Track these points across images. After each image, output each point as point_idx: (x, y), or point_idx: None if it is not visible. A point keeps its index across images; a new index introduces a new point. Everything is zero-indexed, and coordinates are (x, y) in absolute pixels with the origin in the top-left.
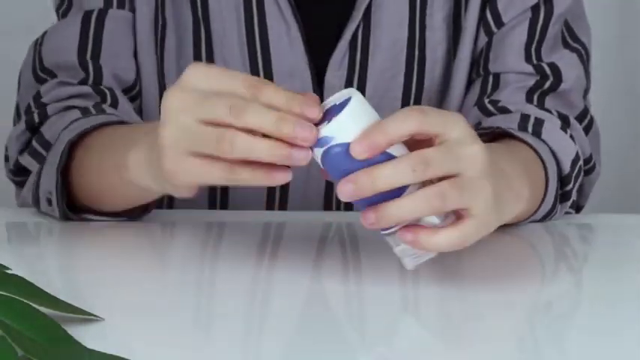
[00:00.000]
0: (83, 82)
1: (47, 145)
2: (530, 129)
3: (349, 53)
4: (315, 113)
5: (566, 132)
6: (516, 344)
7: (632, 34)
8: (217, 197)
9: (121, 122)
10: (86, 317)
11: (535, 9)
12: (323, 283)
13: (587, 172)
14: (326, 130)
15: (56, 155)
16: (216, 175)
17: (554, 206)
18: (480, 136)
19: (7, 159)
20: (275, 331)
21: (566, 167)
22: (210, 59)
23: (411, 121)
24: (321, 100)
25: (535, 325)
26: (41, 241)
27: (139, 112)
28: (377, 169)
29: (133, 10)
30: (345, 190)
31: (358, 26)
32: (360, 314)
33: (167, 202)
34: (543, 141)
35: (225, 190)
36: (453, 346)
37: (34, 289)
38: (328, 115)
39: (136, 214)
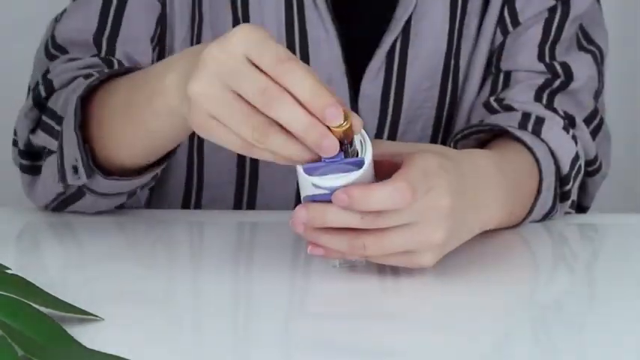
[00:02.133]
0: (96, 56)
1: (60, 120)
2: (529, 128)
3: (386, 63)
4: (337, 121)
5: (568, 132)
6: (516, 344)
7: (632, 35)
8: (192, 196)
9: (127, 70)
10: (86, 317)
11: (552, 10)
12: (308, 283)
13: (592, 173)
14: (325, 181)
15: (70, 117)
16: (235, 147)
17: (553, 206)
18: (479, 132)
19: (15, 143)
20: (275, 333)
21: (566, 167)
22: None
23: (398, 203)
24: (355, 110)
25: (534, 325)
26: (42, 241)
27: None
28: (330, 208)
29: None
30: (297, 215)
31: (397, 37)
32: (354, 314)
33: (174, 204)
34: (542, 140)
35: (200, 187)
36: (449, 346)
37: (34, 289)
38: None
39: (154, 168)
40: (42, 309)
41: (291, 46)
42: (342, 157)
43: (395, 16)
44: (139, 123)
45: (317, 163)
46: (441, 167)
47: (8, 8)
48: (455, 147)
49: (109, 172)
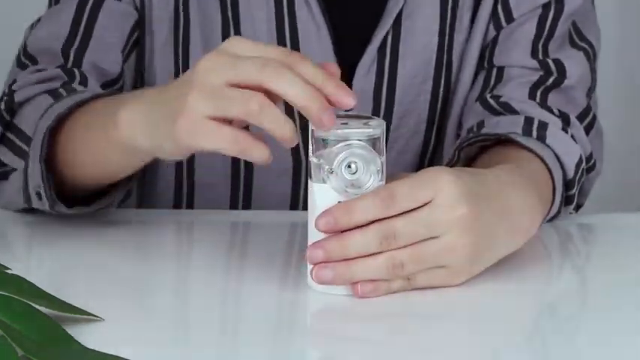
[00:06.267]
0: (60, 67)
1: (28, 140)
2: (534, 134)
3: (378, 59)
4: (351, 102)
5: (567, 133)
6: (518, 343)
7: (632, 35)
8: (184, 197)
9: (97, 97)
10: (86, 317)
11: (546, 7)
12: (292, 285)
13: (587, 171)
14: None
15: (37, 146)
16: (226, 140)
17: (559, 210)
18: (483, 141)
19: None
20: (267, 333)
21: (571, 171)
22: None
23: (378, 210)
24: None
25: (537, 323)
26: (41, 241)
27: None
28: (347, 237)
29: (137, 6)
30: (314, 256)
31: (388, 33)
32: (350, 317)
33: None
34: (548, 146)
35: (191, 189)
36: (454, 344)
37: (34, 289)
38: None
39: (119, 194)
40: (42, 309)
41: (281, 43)
42: None
43: (385, 11)
44: (96, 152)
45: None
46: (452, 175)
47: (8, 9)
48: (458, 155)
49: (73, 197)
